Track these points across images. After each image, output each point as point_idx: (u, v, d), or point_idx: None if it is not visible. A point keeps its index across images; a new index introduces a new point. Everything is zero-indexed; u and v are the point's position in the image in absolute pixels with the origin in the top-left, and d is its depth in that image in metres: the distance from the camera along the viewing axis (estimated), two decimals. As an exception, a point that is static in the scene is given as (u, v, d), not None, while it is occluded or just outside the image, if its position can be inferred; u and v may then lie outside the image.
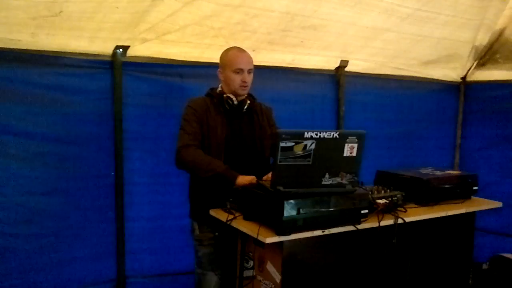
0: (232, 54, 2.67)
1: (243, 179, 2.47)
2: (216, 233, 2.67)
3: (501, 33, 4.14)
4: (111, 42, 3.05)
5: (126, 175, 3.30)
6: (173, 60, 3.36)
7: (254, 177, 2.47)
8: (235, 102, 2.67)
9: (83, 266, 3.22)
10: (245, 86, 2.66)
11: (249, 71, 2.66)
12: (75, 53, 3.02)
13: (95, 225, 3.25)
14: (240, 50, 2.70)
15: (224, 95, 2.67)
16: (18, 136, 2.93)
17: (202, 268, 2.76)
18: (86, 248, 3.23)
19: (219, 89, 2.73)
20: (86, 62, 3.09)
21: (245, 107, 2.70)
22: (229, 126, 2.67)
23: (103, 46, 3.07)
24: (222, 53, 2.74)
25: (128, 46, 3.12)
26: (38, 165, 3.00)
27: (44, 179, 3.03)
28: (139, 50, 3.19)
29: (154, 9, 2.78)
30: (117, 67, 3.17)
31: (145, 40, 3.09)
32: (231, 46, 2.77)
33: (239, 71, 2.63)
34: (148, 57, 3.27)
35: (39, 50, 2.89)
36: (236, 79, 2.63)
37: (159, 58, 3.31)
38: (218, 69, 2.72)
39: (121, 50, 3.12)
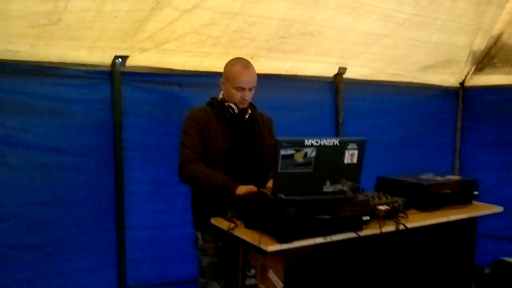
0: (236, 71, 2.63)
1: (241, 190, 2.47)
2: (220, 243, 2.67)
3: (498, 37, 4.16)
4: (110, 52, 3.06)
5: (126, 185, 3.29)
6: (172, 69, 3.35)
7: (252, 186, 2.47)
8: (236, 111, 2.66)
9: (84, 276, 3.21)
10: (244, 101, 2.67)
11: (250, 89, 2.66)
12: (74, 63, 3.02)
13: (96, 234, 3.23)
14: (245, 67, 2.65)
15: (226, 104, 2.66)
16: (18, 146, 2.92)
17: (206, 278, 2.74)
18: (87, 258, 3.21)
19: (221, 97, 2.74)
20: (85, 72, 3.09)
21: (247, 116, 2.71)
22: (230, 134, 2.67)
23: (102, 56, 3.07)
24: (228, 64, 2.70)
25: (127, 56, 3.13)
26: (38, 175, 2.99)
27: (44, 190, 3.02)
28: (138, 59, 3.19)
29: (152, 18, 2.79)
30: (116, 77, 3.16)
31: (144, 50, 3.10)
32: (233, 56, 2.76)
33: (241, 89, 2.62)
34: (147, 67, 3.28)
35: (38, 61, 2.89)
36: (237, 95, 2.63)
37: (158, 68, 3.31)
38: (221, 79, 2.72)
39: (120, 60, 3.12)
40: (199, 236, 2.74)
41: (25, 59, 2.85)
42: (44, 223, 3.03)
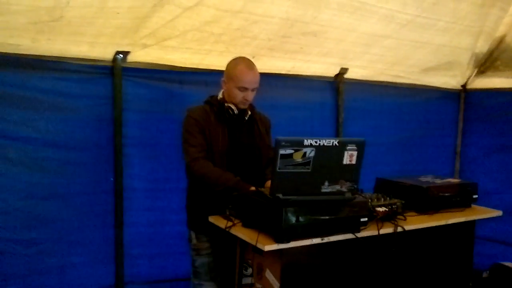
0: (240, 71, 2.60)
1: None
2: (215, 243, 2.66)
3: (501, 40, 4.15)
4: (111, 47, 3.05)
5: (125, 181, 3.28)
6: (173, 66, 3.35)
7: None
8: (236, 112, 2.65)
9: (82, 272, 3.21)
10: (246, 102, 2.65)
11: (253, 89, 2.64)
12: (75, 58, 3.02)
13: (94, 230, 3.23)
14: (248, 67, 2.62)
15: (226, 104, 2.65)
16: (17, 140, 2.91)
17: (199, 279, 2.73)
18: (84, 254, 3.21)
19: (220, 96, 2.71)
20: (86, 67, 3.08)
21: (246, 118, 2.70)
22: (230, 136, 2.66)
23: (103, 52, 3.06)
24: (230, 63, 2.68)
25: (129, 52, 3.12)
26: (37, 170, 2.99)
27: (43, 184, 3.01)
28: (140, 55, 3.19)
29: (154, 14, 2.78)
30: (117, 73, 3.16)
31: (145, 46, 3.09)
32: (235, 55, 2.75)
33: (244, 89, 2.60)
34: (148, 63, 3.27)
35: (39, 55, 2.89)
36: (239, 95, 2.61)
37: (159, 64, 3.30)
38: (222, 78, 2.69)
39: (121, 55, 3.11)
40: (193, 236, 2.73)
41: (26, 52, 2.84)
42: (42, 217, 3.03)
